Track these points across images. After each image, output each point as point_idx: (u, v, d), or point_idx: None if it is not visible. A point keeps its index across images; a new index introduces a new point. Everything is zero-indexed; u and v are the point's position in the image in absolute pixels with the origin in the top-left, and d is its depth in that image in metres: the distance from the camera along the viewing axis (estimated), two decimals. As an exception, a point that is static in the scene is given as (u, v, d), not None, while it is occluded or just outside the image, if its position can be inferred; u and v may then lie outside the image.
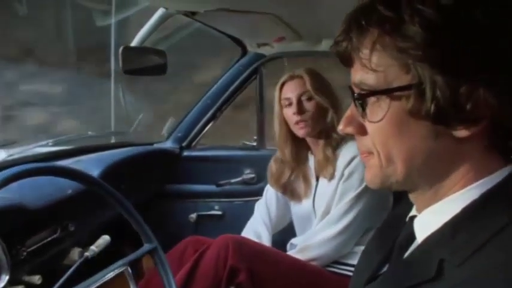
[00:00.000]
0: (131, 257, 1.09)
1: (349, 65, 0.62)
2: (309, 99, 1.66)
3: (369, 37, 0.58)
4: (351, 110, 0.63)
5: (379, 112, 0.58)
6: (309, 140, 1.73)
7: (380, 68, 0.57)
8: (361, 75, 0.59)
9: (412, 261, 0.62)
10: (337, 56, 0.63)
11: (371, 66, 0.57)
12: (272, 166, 1.81)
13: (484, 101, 0.54)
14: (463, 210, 0.58)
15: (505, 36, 0.54)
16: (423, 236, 0.61)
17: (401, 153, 0.59)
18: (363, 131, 0.62)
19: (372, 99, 0.59)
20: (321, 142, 1.68)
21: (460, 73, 0.53)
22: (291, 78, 1.70)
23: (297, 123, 1.66)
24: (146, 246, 1.12)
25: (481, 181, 0.58)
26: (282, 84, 1.71)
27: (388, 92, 0.57)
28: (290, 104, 1.68)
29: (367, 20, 0.58)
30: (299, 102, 1.66)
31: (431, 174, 0.60)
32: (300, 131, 1.67)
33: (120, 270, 1.06)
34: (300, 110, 1.65)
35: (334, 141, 1.66)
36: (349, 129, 0.63)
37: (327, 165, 1.67)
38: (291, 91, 1.68)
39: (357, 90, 0.60)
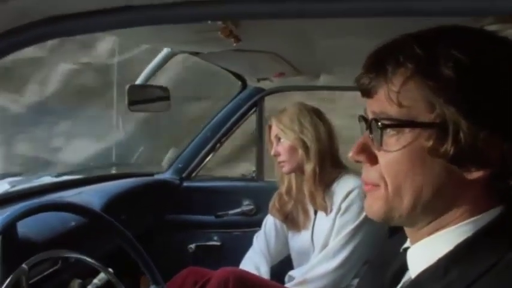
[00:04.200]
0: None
1: (369, 95, 0.63)
2: (280, 140, 1.75)
3: (403, 72, 0.59)
4: (364, 138, 0.64)
5: (396, 144, 0.60)
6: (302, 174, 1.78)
7: (406, 103, 0.59)
8: (384, 107, 0.61)
9: None
10: (360, 84, 0.64)
11: (398, 100, 0.59)
12: (275, 197, 1.86)
13: (499, 145, 0.58)
14: (457, 247, 0.60)
15: None
16: (416, 268, 0.63)
17: (411, 188, 0.60)
18: (373, 161, 0.63)
19: (391, 131, 0.60)
20: (304, 178, 1.74)
21: (483, 119, 0.57)
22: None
23: (278, 162, 1.76)
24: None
25: (473, 218, 0.60)
26: (269, 128, 1.81)
27: (411, 126, 0.59)
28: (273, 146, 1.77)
29: (404, 56, 0.60)
30: (276, 144, 1.76)
31: (433, 211, 0.61)
32: (282, 169, 1.77)
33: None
34: (276, 152, 1.75)
35: (310, 175, 1.70)
36: (360, 157, 0.64)
37: (314, 198, 1.72)
38: (272, 134, 1.78)
39: (374, 120, 0.62)
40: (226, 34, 0.90)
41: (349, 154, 0.65)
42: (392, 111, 0.60)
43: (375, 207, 0.63)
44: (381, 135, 0.61)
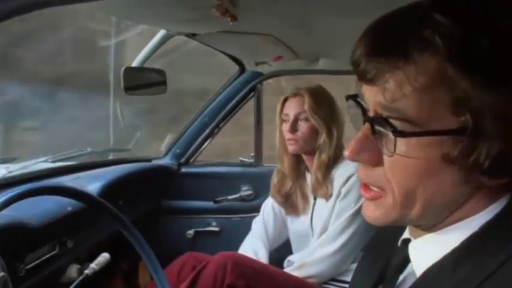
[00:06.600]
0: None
1: (372, 82, 0.50)
2: (305, 119, 1.69)
3: (427, 59, 0.46)
4: (364, 134, 0.52)
5: (409, 148, 0.49)
6: (304, 157, 1.75)
7: (426, 100, 0.47)
8: (394, 99, 0.48)
9: None
10: (360, 71, 0.50)
11: (418, 94, 0.47)
12: (274, 176, 1.84)
13: None
14: (463, 243, 0.53)
15: None
16: (420, 265, 0.57)
17: (423, 195, 0.51)
18: (377, 161, 0.52)
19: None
20: (314, 162, 1.70)
21: None
22: (294, 95, 1.73)
23: (288, 139, 1.71)
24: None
25: (480, 213, 0.53)
26: (285, 100, 1.74)
27: (433, 134, 0.47)
28: (287, 121, 1.71)
29: (423, 35, 0.46)
30: (295, 120, 1.70)
31: (444, 213, 0.54)
32: (289, 147, 1.72)
33: None
34: (293, 129, 1.69)
35: (323, 164, 1.68)
36: (361, 158, 0.52)
37: (319, 187, 1.70)
38: (290, 108, 1.72)
39: (382, 119, 0.49)
40: (222, 12, 0.88)
41: (345, 152, 0.53)
42: (409, 109, 0.47)
43: (379, 214, 0.54)
44: (394, 141, 0.48)
